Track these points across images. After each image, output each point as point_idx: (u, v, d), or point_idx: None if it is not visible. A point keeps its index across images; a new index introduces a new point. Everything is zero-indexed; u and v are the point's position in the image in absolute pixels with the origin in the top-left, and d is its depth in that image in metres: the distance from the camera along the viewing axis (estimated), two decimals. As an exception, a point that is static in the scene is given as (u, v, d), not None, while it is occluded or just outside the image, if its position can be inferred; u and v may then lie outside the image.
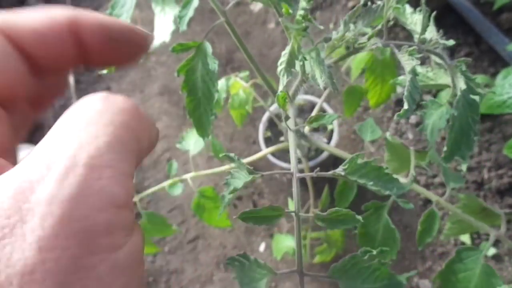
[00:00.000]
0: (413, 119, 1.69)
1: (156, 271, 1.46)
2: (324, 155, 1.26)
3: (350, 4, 1.84)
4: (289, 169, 0.45)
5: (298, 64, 0.41)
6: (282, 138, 1.36)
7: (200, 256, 1.47)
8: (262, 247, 1.45)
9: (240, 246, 1.47)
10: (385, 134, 0.66)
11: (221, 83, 1.13)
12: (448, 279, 0.56)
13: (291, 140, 0.45)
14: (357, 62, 0.95)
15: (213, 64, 0.51)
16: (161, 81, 1.85)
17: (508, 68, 1.45)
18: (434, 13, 0.45)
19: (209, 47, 0.52)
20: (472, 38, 1.74)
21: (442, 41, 0.38)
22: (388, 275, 0.48)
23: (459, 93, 0.39)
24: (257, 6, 2.07)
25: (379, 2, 0.44)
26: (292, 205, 1.22)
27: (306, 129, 0.43)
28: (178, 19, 0.53)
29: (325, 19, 1.86)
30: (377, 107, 0.99)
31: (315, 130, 1.38)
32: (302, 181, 1.09)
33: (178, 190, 0.83)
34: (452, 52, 1.73)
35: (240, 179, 0.44)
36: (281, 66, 0.39)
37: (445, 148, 0.42)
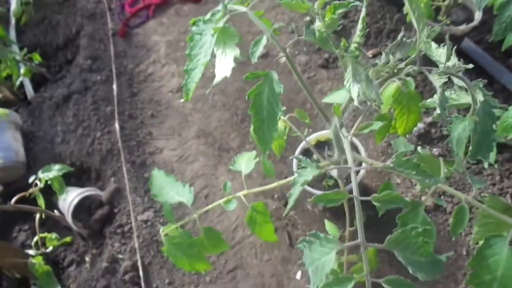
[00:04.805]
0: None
1: (199, 300, 1.54)
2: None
3: (370, 53, 2.02)
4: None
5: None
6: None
7: (240, 285, 1.55)
8: (298, 275, 1.53)
9: (278, 274, 1.54)
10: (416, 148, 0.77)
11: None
12: (480, 264, 0.65)
13: (347, 149, 0.58)
14: (386, 97, 1.08)
15: (279, 88, 0.65)
16: (197, 125, 2.02)
17: (520, 103, 1.57)
18: (455, 47, 0.59)
19: (275, 75, 0.67)
20: (486, 79, 1.88)
21: (463, 66, 0.52)
22: (430, 253, 0.59)
23: (479, 104, 0.51)
24: (283, 59, 2.28)
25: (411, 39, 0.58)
26: (331, 229, 1.31)
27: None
28: (250, 54, 0.68)
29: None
30: (405, 135, 1.11)
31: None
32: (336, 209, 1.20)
33: (233, 205, 0.95)
34: (467, 92, 1.86)
35: (308, 173, 0.57)
36: (348, 81, 0.53)
37: (470, 148, 0.54)
